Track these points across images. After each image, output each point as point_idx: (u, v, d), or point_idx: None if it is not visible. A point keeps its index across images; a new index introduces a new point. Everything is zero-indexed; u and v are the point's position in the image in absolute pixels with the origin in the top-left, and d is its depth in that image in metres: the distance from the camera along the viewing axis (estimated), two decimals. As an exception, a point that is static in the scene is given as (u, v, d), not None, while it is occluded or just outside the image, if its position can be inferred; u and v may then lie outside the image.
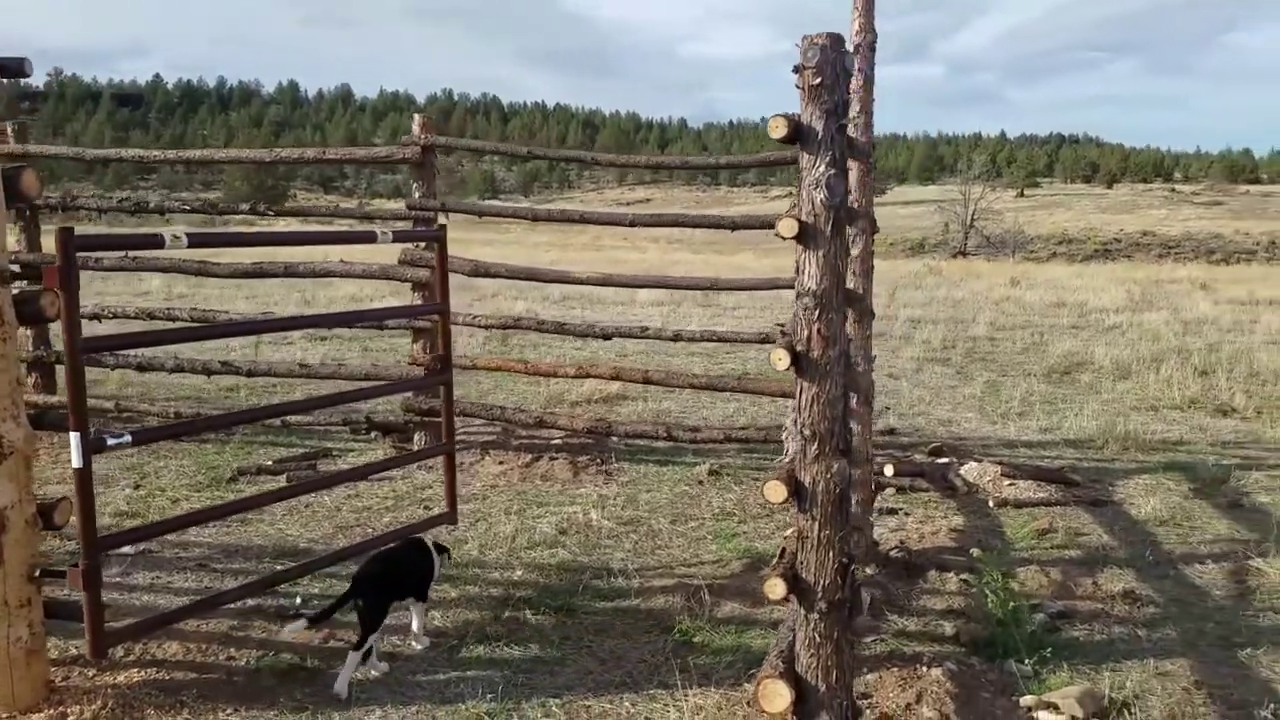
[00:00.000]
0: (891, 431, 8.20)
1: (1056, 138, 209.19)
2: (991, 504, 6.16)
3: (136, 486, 6.21)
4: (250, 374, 6.98)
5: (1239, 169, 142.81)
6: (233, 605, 4.35)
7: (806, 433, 3.10)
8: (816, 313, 3.06)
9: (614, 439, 7.21)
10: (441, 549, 4.20)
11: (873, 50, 4.86)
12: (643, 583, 4.87)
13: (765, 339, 7.47)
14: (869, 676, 3.92)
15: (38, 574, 3.37)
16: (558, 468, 6.68)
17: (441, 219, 6.53)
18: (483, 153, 8.18)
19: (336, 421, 7.22)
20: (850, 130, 4.94)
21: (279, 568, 4.65)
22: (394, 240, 4.40)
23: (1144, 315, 16.32)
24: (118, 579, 4.73)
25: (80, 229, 3.26)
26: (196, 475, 6.44)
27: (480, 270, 6.77)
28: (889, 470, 6.63)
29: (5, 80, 3.34)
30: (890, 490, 6.53)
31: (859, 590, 3.25)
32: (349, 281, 9.41)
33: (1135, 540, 5.48)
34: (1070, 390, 9.94)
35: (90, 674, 3.71)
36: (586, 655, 4.09)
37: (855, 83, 4.93)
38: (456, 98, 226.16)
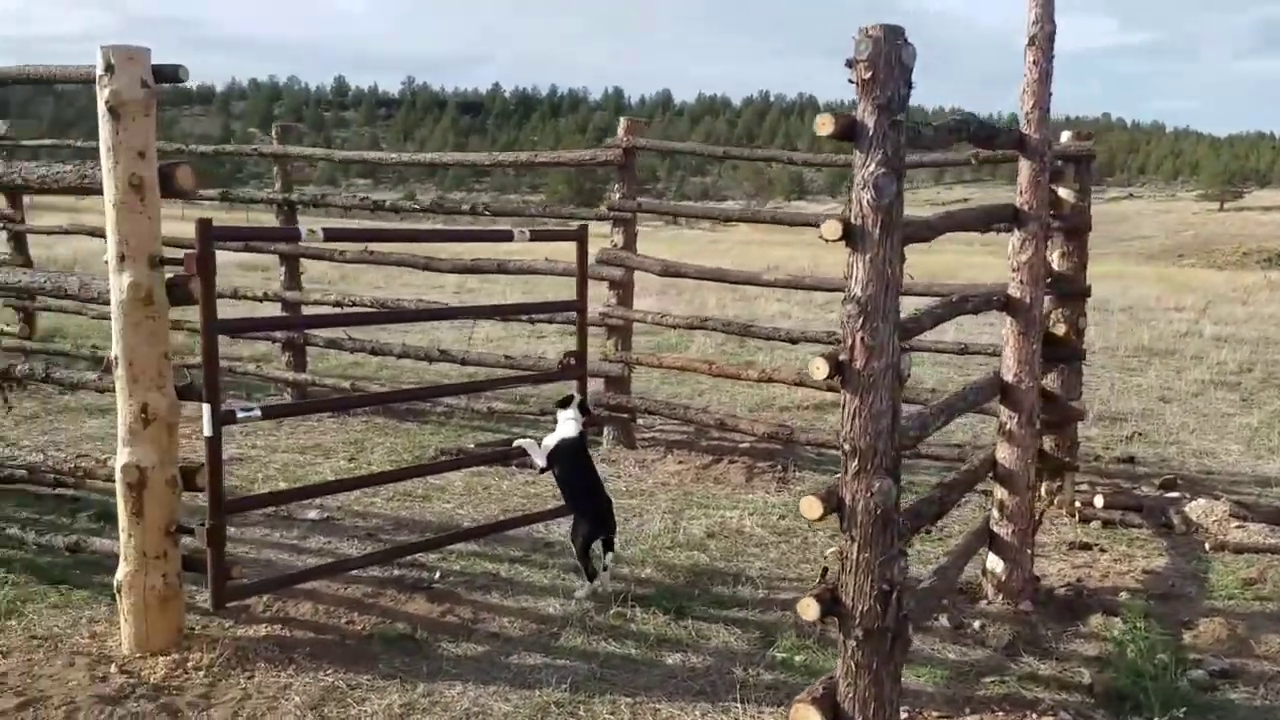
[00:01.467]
0: (1130, 460, 7.39)
1: None
2: (1208, 547, 5.41)
3: (351, 459, 6.84)
4: (464, 363, 7.47)
5: None
6: (378, 573, 4.72)
7: (847, 448, 2.91)
8: (860, 321, 2.85)
9: (803, 446, 7.03)
10: None
11: (1050, 42, 4.44)
12: (769, 594, 4.74)
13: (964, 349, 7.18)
14: (970, 719, 3.61)
15: (173, 530, 3.79)
16: (733, 471, 6.61)
17: (655, 226, 6.66)
18: (679, 153, 8.32)
19: (535, 411, 7.56)
20: (1024, 127, 4.57)
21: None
22: (531, 239, 4.56)
23: None
24: (294, 541, 5.24)
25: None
26: (404, 453, 6.99)
27: (670, 270, 6.84)
28: (1099, 501, 6.00)
29: (165, 85, 3.76)
30: (1096, 524, 5.90)
31: (906, 620, 2.98)
32: (545, 280, 10.83)
33: (1369, 605, 4.61)
34: (1377, 426, 8.48)
35: (227, 625, 4.11)
36: (677, 660, 4.05)
37: (1030, 75, 4.53)
38: (772, 99, 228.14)
